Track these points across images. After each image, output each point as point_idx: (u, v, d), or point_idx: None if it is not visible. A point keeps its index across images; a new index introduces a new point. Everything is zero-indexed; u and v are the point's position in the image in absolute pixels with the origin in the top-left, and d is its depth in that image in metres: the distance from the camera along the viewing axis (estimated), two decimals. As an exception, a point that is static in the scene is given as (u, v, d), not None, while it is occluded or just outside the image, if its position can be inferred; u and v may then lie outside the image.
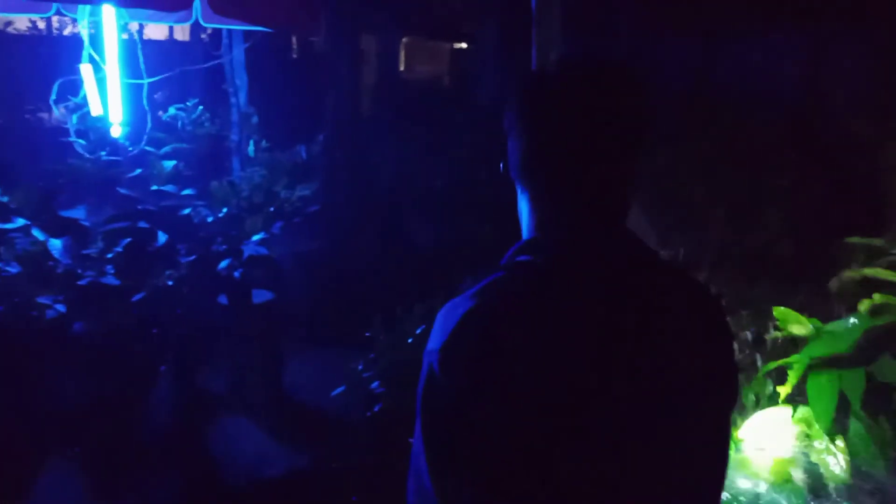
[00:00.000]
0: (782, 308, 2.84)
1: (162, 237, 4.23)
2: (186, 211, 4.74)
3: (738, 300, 3.18)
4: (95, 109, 4.40)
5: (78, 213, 4.96)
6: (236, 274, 4.18)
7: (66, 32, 9.20)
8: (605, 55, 1.02)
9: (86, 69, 4.29)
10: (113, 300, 3.80)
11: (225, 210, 4.96)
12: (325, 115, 6.47)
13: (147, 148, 5.73)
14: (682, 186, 3.87)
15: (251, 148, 6.60)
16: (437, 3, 9.24)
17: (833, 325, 2.69)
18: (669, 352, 0.97)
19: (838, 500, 2.53)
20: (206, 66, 6.85)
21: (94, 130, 6.04)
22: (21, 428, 3.34)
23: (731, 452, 2.63)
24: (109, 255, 4.07)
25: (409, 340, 3.44)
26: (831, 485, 2.48)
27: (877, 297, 2.64)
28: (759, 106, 3.85)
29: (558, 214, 1.02)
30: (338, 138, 6.30)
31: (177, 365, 4.05)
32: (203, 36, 9.02)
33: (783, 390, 2.64)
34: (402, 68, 11.24)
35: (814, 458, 2.55)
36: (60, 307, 3.65)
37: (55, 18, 8.07)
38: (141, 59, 4.69)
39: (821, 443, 2.48)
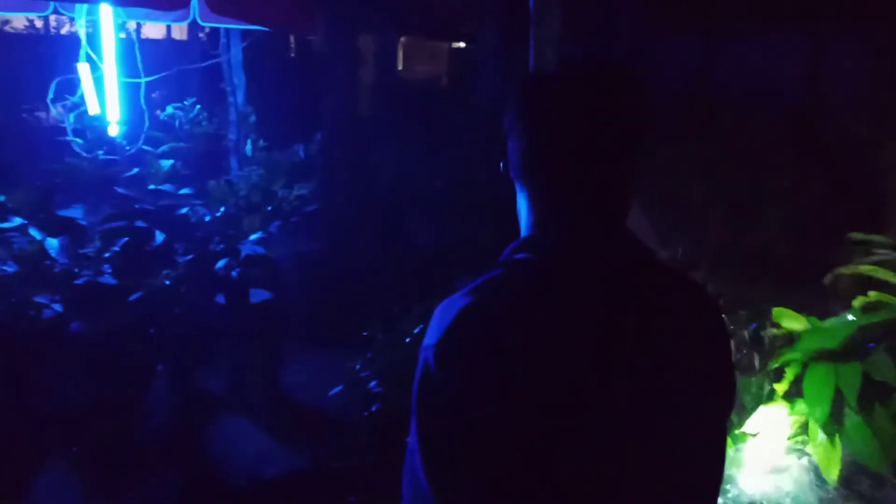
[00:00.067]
0: (780, 307, 2.85)
1: (159, 236, 4.22)
2: (184, 210, 4.73)
3: (737, 300, 3.19)
4: (93, 108, 4.40)
5: (75, 213, 4.95)
6: (234, 273, 4.18)
7: (63, 31, 9.19)
8: (604, 55, 1.02)
9: (83, 68, 4.29)
10: (110, 300, 3.79)
11: (222, 209, 4.96)
12: (322, 115, 6.45)
13: (144, 147, 5.72)
14: (681, 186, 3.87)
15: (249, 147, 6.60)
16: (435, 2, 9.23)
17: (827, 322, 2.70)
18: (667, 352, 0.96)
19: (836, 495, 2.53)
20: (203, 65, 6.85)
21: (92, 129, 6.03)
22: (18, 428, 3.33)
23: (731, 451, 2.63)
24: (107, 255, 4.06)
25: (407, 340, 3.44)
26: (829, 480, 2.48)
27: (872, 294, 2.65)
28: (758, 106, 3.85)
29: (558, 213, 1.01)
30: (336, 138, 6.29)
31: (174, 364, 4.04)
32: (201, 35, 9.02)
33: (780, 388, 2.65)
34: (400, 68, 11.24)
35: (811, 454, 2.55)
36: (57, 307, 3.65)
37: (52, 17, 8.06)
38: (138, 58, 4.69)
39: (818, 438, 2.48)
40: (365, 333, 3.67)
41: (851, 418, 2.42)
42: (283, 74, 8.77)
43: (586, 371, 0.92)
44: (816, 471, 2.56)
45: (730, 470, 2.65)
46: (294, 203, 5.76)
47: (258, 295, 4.32)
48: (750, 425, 2.65)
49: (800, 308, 2.83)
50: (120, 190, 4.99)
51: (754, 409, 2.68)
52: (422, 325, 3.33)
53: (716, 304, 1.10)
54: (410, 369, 0.98)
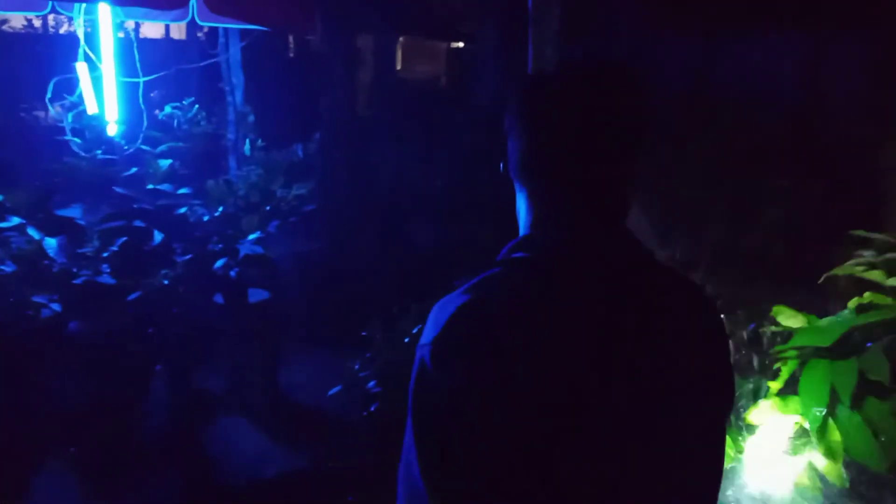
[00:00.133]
0: (779, 305, 2.86)
1: (158, 236, 4.21)
2: (182, 210, 4.72)
3: (736, 300, 3.19)
4: (91, 108, 4.40)
5: (73, 212, 4.96)
6: (232, 273, 4.17)
7: (61, 31, 9.19)
8: (604, 54, 1.02)
9: (82, 67, 4.29)
10: (109, 299, 3.78)
11: (221, 209, 4.95)
12: (321, 114, 6.45)
13: (143, 147, 5.73)
14: (680, 186, 3.87)
15: (247, 147, 6.59)
16: (434, 2, 9.23)
17: (821, 321, 2.71)
18: (666, 352, 0.96)
19: (837, 495, 2.53)
20: (202, 64, 6.85)
21: (90, 129, 6.04)
22: (16, 427, 3.33)
23: (730, 451, 2.63)
24: (105, 255, 4.05)
25: (406, 340, 3.44)
26: (829, 480, 2.48)
27: (867, 295, 2.65)
28: (757, 106, 3.85)
29: (557, 213, 1.01)
30: (334, 137, 6.29)
31: (173, 364, 4.03)
32: (199, 34, 9.02)
33: (774, 385, 2.65)
34: (399, 67, 11.23)
35: (808, 452, 2.56)
36: (56, 306, 3.64)
37: (51, 17, 8.05)
38: (137, 58, 4.69)
39: (818, 438, 2.48)
40: (364, 333, 3.67)
41: (851, 418, 2.42)
42: (282, 74, 8.77)
43: (583, 371, 0.92)
44: (817, 471, 2.56)
45: (729, 470, 2.65)
46: (293, 203, 5.75)
47: (257, 295, 4.31)
48: (749, 424, 2.65)
49: (799, 308, 2.83)
50: (118, 189, 4.98)
51: (754, 408, 2.68)
52: (420, 325, 3.32)
53: (714, 305, 1.10)
54: (409, 369, 0.98)
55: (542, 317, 0.93)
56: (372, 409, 3.41)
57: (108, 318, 3.73)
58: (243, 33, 6.31)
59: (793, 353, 2.63)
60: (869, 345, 2.53)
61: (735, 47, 4.07)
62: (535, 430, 0.90)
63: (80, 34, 4.34)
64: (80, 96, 4.47)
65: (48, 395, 3.47)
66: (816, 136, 3.79)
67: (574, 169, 0.99)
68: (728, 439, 2.38)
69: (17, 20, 9.12)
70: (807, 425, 2.50)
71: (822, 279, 2.91)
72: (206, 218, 4.82)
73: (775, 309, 2.85)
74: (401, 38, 11.25)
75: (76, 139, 5.72)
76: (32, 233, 4.00)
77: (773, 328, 2.88)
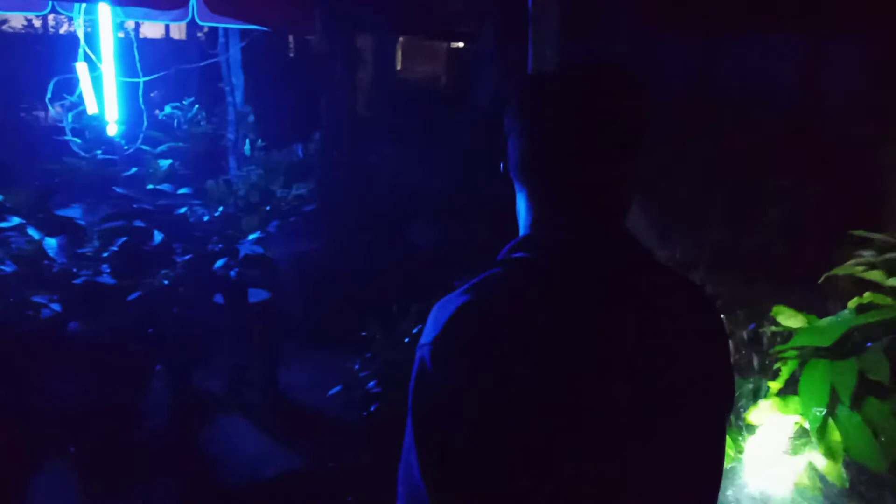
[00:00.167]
0: (779, 305, 2.86)
1: (158, 236, 4.21)
2: (182, 210, 4.72)
3: (736, 300, 3.19)
4: (91, 108, 4.39)
5: (73, 212, 4.95)
6: (232, 273, 4.17)
7: (61, 31, 9.19)
8: (603, 54, 1.02)
9: (81, 67, 4.28)
10: (109, 299, 3.78)
11: (221, 209, 4.95)
12: (321, 115, 6.45)
13: (143, 147, 5.72)
14: (680, 186, 3.87)
15: (247, 147, 6.59)
16: (434, 2, 9.23)
17: (821, 321, 2.71)
18: (666, 352, 0.96)
19: (837, 495, 2.53)
20: (202, 64, 6.85)
21: (90, 129, 6.03)
22: (15, 427, 3.33)
23: (730, 451, 2.63)
24: (105, 254, 4.05)
25: (406, 340, 3.44)
26: (829, 480, 2.48)
27: (867, 295, 2.65)
28: (757, 106, 3.85)
29: (556, 213, 1.01)
30: (334, 137, 6.29)
31: (173, 364, 4.03)
32: (199, 34, 9.03)
33: (774, 385, 2.65)
34: (398, 68, 11.24)
35: (808, 452, 2.55)
36: (56, 306, 3.64)
37: (51, 16, 8.05)
38: (137, 58, 4.68)
39: (818, 438, 2.48)
40: (364, 333, 3.67)
41: (851, 418, 2.42)
42: (282, 74, 8.77)
43: (583, 371, 0.92)
44: (817, 471, 2.56)
45: (729, 470, 2.65)
46: (292, 203, 5.75)
47: (257, 295, 4.31)
48: (749, 424, 2.65)
49: (799, 308, 2.83)
50: (118, 189, 4.98)
51: (753, 407, 2.69)
52: (420, 325, 3.32)
53: (714, 305, 1.10)
54: (409, 369, 0.98)
55: (542, 317, 0.93)
56: (372, 409, 3.41)
57: (108, 318, 3.73)
58: (243, 33, 6.30)
59: (793, 353, 2.63)
60: (869, 345, 2.53)
61: (735, 47, 4.07)
62: (535, 429, 0.90)
63: (80, 34, 4.34)
64: (80, 96, 4.47)
65: (48, 395, 3.47)
66: (816, 136, 3.79)
67: (574, 169, 0.99)
68: (728, 439, 2.38)
69: (17, 20, 9.12)
70: (807, 425, 2.50)
71: (822, 279, 2.91)
72: (206, 218, 4.82)
73: (775, 309, 2.85)
74: (401, 39, 11.26)
75: (76, 139, 5.72)
76: (32, 233, 4.00)
77: (773, 328, 2.89)
